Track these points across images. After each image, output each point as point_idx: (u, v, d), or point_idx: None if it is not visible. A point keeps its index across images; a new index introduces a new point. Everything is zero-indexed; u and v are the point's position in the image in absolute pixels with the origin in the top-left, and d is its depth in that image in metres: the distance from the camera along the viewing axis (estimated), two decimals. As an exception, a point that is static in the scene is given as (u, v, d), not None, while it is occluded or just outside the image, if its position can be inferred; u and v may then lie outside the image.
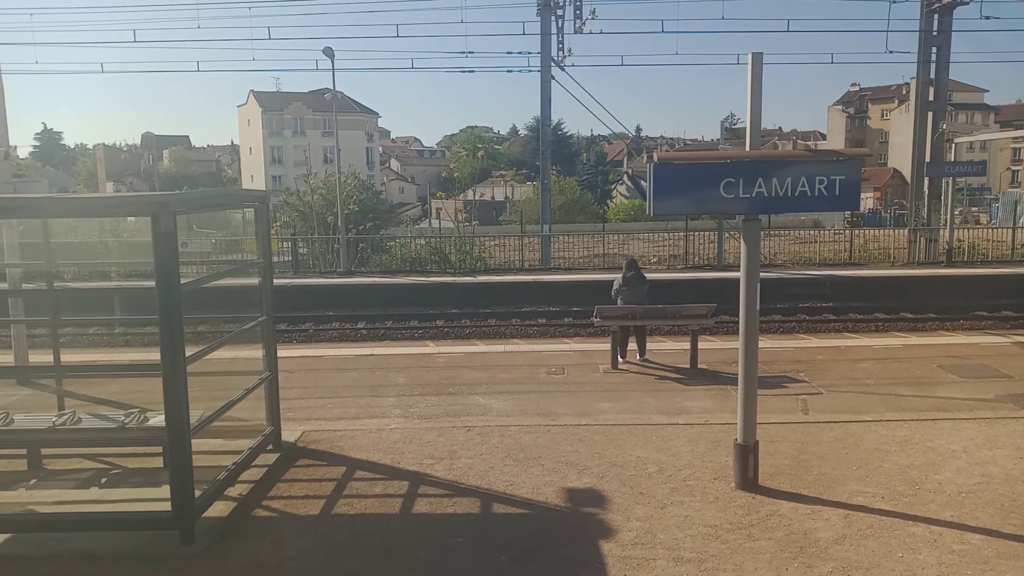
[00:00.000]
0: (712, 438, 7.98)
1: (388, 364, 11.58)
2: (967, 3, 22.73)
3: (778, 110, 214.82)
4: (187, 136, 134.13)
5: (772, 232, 28.17)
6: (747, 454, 6.69)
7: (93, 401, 9.37)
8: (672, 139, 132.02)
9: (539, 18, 23.07)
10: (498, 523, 6.19)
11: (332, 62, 20.55)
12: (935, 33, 23.68)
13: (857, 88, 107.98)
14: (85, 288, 14.98)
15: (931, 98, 23.95)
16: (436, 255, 22.36)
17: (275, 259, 23.34)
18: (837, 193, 6.30)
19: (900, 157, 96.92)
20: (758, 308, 6.65)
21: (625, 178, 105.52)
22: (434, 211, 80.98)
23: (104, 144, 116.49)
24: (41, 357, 11.50)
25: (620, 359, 11.01)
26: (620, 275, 11.51)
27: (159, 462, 7.48)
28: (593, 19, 17.60)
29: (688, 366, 10.81)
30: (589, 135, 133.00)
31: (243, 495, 6.73)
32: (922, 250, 24.06)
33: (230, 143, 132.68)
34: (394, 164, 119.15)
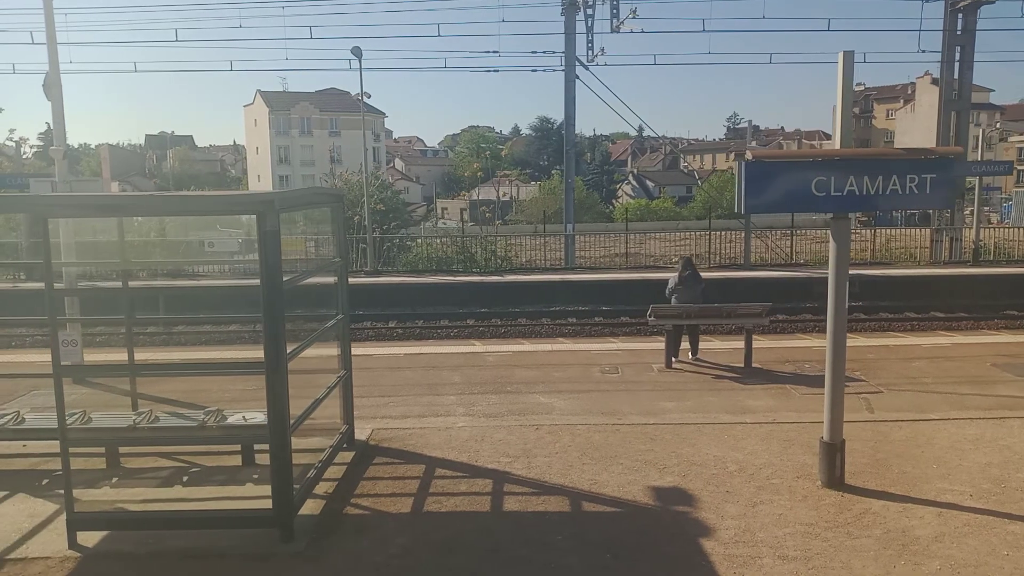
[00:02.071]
0: (783, 437, 7.98)
1: (440, 363, 11.59)
2: (992, 2, 22.74)
3: (780, 110, 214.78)
4: (191, 136, 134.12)
5: (785, 232, 28.06)
6: (834, 452, 6.69)
7: (153, 400, 9.41)
8: (674, 139, 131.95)
9: (563, 18, 23.09)
10: (592, 521, 6.20)
11: (360, 62, 20.57)
12: (959, 32, 23.69)
13: (862, 88, 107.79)
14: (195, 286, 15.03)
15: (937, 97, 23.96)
16: (463, 254, 22.36)
17: (298, 259, 23.41)
18: (928, 191, 6.30)
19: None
20: (847, 307, 6.66)
21: (631, 177, 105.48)
22: (439, 210, 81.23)
23: (109, 144, 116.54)
24: (94, 356, 11.53)
25: (673, 358, 11.01)
26: (675, 274, 11.52)
27: (235, 460, 7.51)
28: (634, 18, 17.60)
29: (742, 365, 10.82)
30: (592, 135, 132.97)
31: (329, 493, 6.74)
32: (946, 249, 24.07)
33: (232, 143, 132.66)
34: (398, 164, 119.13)
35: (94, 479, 7.16)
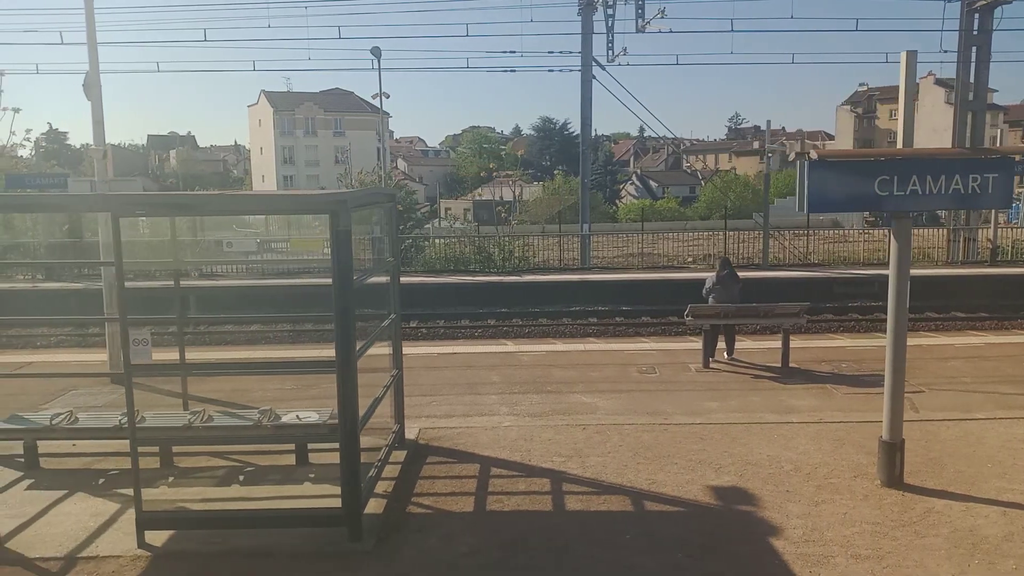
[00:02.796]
0: (833, 436, 7.99)
1: (475, 362, 11.59)
2: (1010, 2, 22.74)
3: (784, 110, 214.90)
4: (193, 136, 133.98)
5: (797, 232, 28.04)
6: (894, 452, 6.70)
7: (193, 399, 9.41)
8: (673, 138, 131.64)
9: (580, 18, 23.10)
10: (658, 521, 6.20)
11: (379, 62, 20.58)
12: (975, 32, 23.69)
13: (865, 88, 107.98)
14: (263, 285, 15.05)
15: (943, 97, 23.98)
16: (480, 254, 22.35)
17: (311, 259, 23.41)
18: (990, 191, 6.32)
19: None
20: (907, 307, 6.67)
21: (634, 178, 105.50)
22: (443, 211, 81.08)
23: (112, 144, 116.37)
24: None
25: (710, 358, 11.01)
26: (713, 274, 11.52)
27: (288, 460, 7.51)
28: (662, 17, 17.60)
29: (779, 365, 10.82)
30: (594, 135, 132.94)
31: (389, 492, 6.74)
32: (961, 249, 24.07)
33: (234, 143, 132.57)
34: (401, 164, 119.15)
35: (151, 478, 7.15)
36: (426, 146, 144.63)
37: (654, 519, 6.23)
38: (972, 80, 24.07)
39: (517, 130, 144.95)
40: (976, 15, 23.57)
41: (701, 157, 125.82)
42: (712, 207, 72.53)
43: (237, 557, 5.67)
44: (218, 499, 6.78)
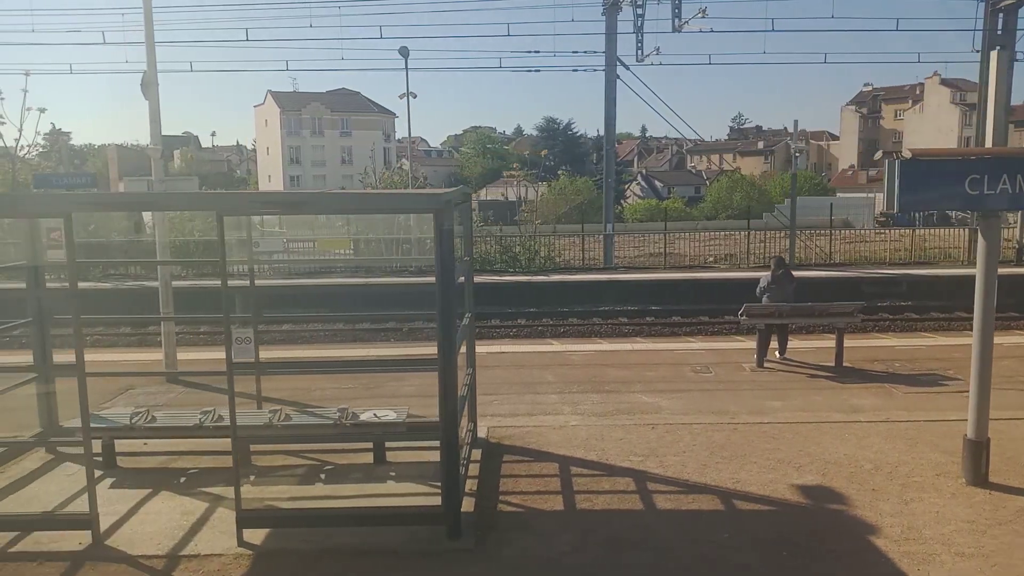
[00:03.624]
0: (904, 435, 8.01)
1: (525, 362, 11.60)
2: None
3: (786, 110, 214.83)
4: (197, 136, 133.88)
5: (821, 232, 28.05)
6: (980, 450, 6.71)
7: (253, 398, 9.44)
8: (675, 139, 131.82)
9: (604, 18, 23.11)
10: (752, 520, 6.21)
11: (406, 62, 20.56)
12: (999, 32, 23.70)
13: (870, 88, 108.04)
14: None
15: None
16: (506, 254, 22.37)
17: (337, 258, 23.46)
18: (1081, 190, 6.31)
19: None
20: (994, 305, 6.68)
21: (639, 178, 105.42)
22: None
23: (116, 144, 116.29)
24: (190, 355, 11.54)
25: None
26: (767, 273, 11.52)
27: (365, 458, 7.51)
28: (703, 17, 17.60)
29: (832, 364, 10.82)
30: (595, 135, 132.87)
31: (474, 490, 6.74)
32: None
33: (235, 143, 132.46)
34: (405, 164, 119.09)
35: (230, 478, 7.16)
36: (428, 146, 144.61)
37: (747, 518, 6.23)
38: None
39: (519, 130, 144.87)
40: (1000, 15, 23.58)
41: (705, 157, 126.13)
42: (718, 207, 72.37)
43: (341, 555, 5.67)
44: (305, 497, 6.79)
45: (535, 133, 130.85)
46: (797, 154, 22.48)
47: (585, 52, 25.15)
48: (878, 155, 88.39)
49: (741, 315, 10.93)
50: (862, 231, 35.25)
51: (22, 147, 28.54)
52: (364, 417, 7.42)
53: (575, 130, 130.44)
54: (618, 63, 23.15)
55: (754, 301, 11.06)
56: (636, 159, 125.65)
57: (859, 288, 19.73)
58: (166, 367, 10.47)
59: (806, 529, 5.98)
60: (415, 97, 22.98)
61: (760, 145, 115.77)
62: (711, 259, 26.53)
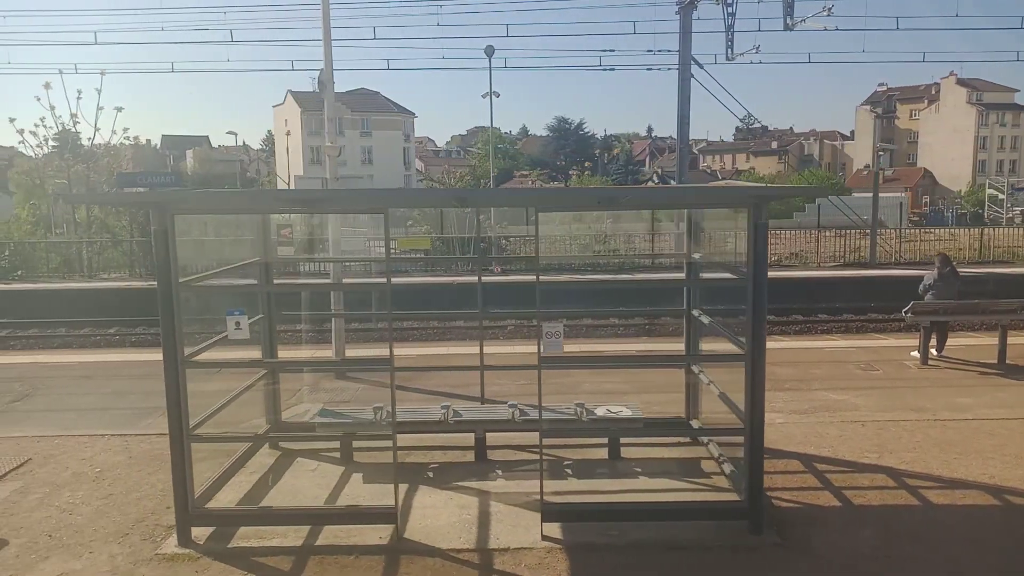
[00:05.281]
0: (1125, 432, 8.01)
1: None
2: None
3: (794, 110, 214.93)
4: (207, 136, 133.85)
5: (864, 232, 28.04)
6: None
7: (425, 394, 9.45)
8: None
9: (678, 17, 23.09)
10: (1038, 513, 6.21)
11: (490, 61, 20.59)
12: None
13: (885, 88, 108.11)
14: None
15: None
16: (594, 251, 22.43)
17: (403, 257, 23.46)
18: None
19: (930, 157, 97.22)
20: None
21: (655, 177, 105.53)
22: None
23: (130, 143, 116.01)
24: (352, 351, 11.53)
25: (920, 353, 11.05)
26: (932, 271, 11.54)
27: (598, 453, 7.52)
28: (828, 16, 17.54)
29: (995, 361, 10.84)
30: (603, 135, 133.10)
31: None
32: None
33: (242, 144, 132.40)
34: (418, 164, 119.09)
35: (471, 473, 7.16)
36: (436, 146, 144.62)
37: (1031, 512, 6.24)
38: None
39: (524, 130, 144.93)
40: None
41: (718, 157, 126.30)
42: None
43: (651, 548, 5.66)
44: (578, 491, 6.76)
45: (544, 133, 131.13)
46: (881, 152, 22.45)
47: (660, 51, 24.74)
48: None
49: (906, 312, 10.94)
50: (909, 230, 35.25)
51: (98, 145, 28.48)
52: (599, 413, 7.43)
53: (586, 130, 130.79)
54: (693, 63, 23.12)
55: (917, 298, 11.11)
56: (648, 159, 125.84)
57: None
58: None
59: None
60: (498, 96, 23.01)
61: (774, 145, 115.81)
62: (773, 257, 26.51)
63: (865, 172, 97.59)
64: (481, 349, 8.12)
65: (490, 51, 20.40)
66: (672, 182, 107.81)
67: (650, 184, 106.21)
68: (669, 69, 23.82)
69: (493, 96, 22.82)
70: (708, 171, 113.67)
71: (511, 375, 10.08)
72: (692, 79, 23.70)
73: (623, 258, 21.31)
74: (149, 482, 7.07)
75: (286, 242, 7.81)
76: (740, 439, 6.91)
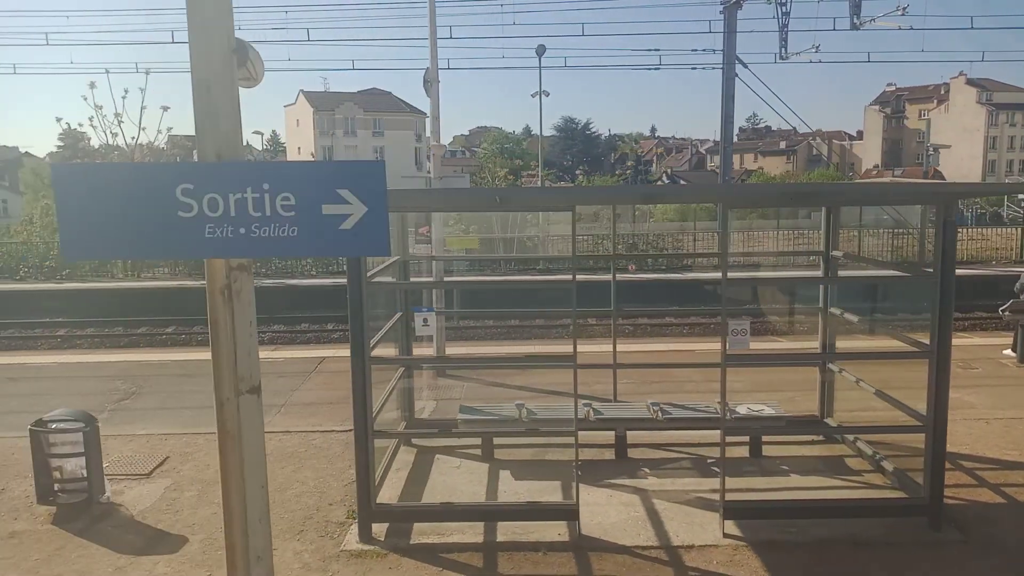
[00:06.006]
0: None
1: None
2: None
3: (800, 110, 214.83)
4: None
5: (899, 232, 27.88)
6: None
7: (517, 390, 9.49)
8: (683, 139, 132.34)
9: (723, 16, 23.15)
10: None
11: (539, 60, 20.59)
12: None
13: (893, 88, 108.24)
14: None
15: None
16: (634, 250, 22.41)
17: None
18: None
19: (940, 157, 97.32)
20: None
21: (664, 177, 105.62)
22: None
23: (139, 144, 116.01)
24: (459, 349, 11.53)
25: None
26: (1030, 269, 11.56)
27: (739, 452, 7.51)
28: (902, 15, 17.52)
29: (1086, 361, 10.88)
30: (607, 134, 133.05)
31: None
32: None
33: (247, 144, 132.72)
34: (425, 164, 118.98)
35: (619, 470, 7.17)
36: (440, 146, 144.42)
37: None
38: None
39: (527, 130, 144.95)
40: None
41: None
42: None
43: (837, 545, 5.68)
44: (738, 490, 6.74)
45: (551, 133, 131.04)
46: (930, 151, 22.37)
47: (704, 50, 24.95)
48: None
49: (1003, 311, 10.96)
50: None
51: (141, 144, 28.45)
52: (741, 411, 7.43)
53: (593, 130, 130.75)
54: (737, 62, 23.18)
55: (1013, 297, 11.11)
56: (656, 159, 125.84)
57: (996, 286, 19.73)
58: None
59: None
60: (547, 95, 23.01)
61: (782, 145, 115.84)
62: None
63: (875, 172, 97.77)
64: (614, 347, 8.13)
65: (541, 51, 20.42)
66: (682, 182, 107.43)
67: (659, 183, 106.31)
68: (714, 68, 23.89)
69: (543, 95, 22.79)
70: (716, 171, 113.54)
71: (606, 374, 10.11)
72: (736, 78, 23.74)
73: (760, 255, 21.12)
74: (298, 479, 7.08)
75: (423, 240, 7.80)
76: (894, 437, 7.01)
